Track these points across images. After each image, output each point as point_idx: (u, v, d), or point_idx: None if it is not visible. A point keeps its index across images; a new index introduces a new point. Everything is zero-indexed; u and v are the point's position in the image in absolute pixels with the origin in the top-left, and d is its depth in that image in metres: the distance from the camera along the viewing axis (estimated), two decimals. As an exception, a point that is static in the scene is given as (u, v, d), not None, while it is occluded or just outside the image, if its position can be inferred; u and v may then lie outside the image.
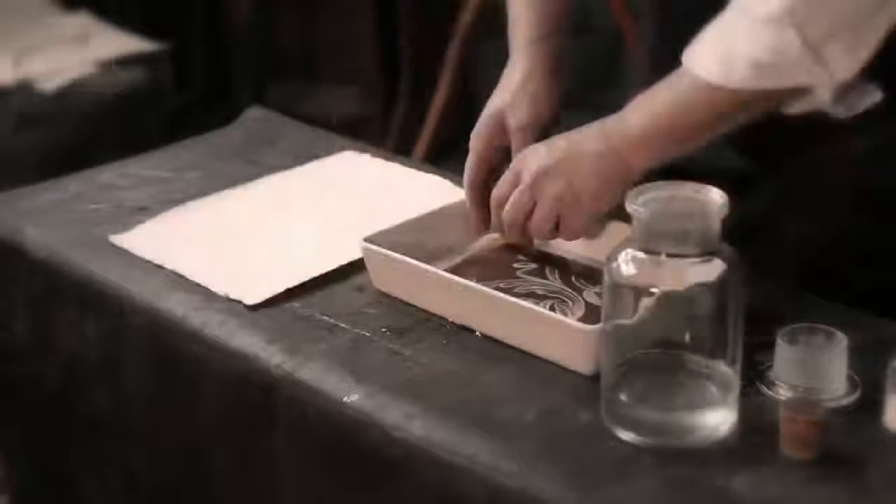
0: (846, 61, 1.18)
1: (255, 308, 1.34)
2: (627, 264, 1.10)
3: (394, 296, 1.35)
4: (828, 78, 1.18)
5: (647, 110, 1.25)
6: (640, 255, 1.10)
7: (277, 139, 1.77)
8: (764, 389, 1.16)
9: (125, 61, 3.08)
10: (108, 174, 1.68)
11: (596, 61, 2.81)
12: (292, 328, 1.31)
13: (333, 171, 1.67)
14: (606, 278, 1.11)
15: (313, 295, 1.37)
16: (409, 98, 3.23)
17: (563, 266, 1.38)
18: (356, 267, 1.39)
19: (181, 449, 1.42)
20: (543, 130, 1.36)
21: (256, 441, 1.30)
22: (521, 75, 1.39)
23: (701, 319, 1.11)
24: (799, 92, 1.21)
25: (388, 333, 1.29)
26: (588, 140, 1.27)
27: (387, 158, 1.69)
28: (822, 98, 1.21)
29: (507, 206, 1.31)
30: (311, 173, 1.66)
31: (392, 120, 3.27)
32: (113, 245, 1.49)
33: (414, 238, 1.37)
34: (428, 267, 1.31)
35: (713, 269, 1.08)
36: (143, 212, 1.56)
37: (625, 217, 1.13)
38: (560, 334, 1.21)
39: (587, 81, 2.50)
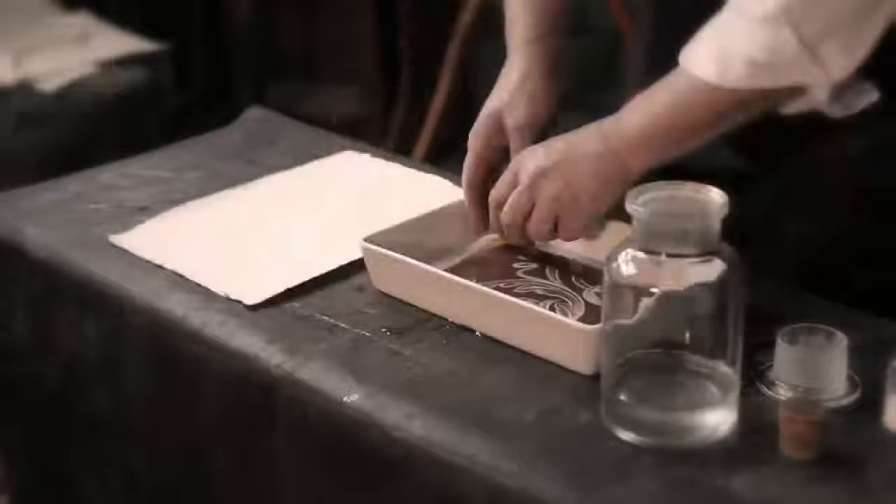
0: (842, 60, 1.18)
1: (255, 308, 1.34)
2: (627, 264, 1.10)
3: (394, 296, 1.35)
4: (824, 77, 1.19)
5: (644, 111, 1.25)
6: (640, 255, 1.10)
7: (277, 139, 1.77)
8: (764, 389, 1.16)
9: (125, 61, 3.08)
10: (108, 174, 1.68)
11: (595, 61, 2.81)
12: (292, 328, 1.31)
13: (333, 171, 1.67)
14: (606, 278, 1.11)
15: (313, 295, 1.37)
16: (409, 98, 3.23)
17: (563, 266, 1.38)
18: (356, 267, 1.39)
19: (181, 449, 1.42)
20: (541, 131, 1.36)
21: (256, 441, 1.30)
22: (518, 75, 1.39)
23: (701, 319, 1.11)
24: (796, 91, 1.21)
25: (388, 333, 1.29)
26: (586, 141, 1.27)
27: (387, 158, 1.69)
28: (818, 97, 1.21)
29: (506, 208, 1.31)
30: (311, 173, 1.66)
31: (392, 120, 3.27)
32: (113, 245, 1.49)
33: (414, 238, 1.37)
34: (428, 267, 1.31)
35: (713, 269, 1.08)
36: (143, 212, 1.56)
37: (625, 217, 1.13)
38: (560, 334, 1.21)
39: (586, 82, 2.50)
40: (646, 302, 1.09)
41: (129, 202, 1.60)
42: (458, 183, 1.43)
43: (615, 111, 1.27)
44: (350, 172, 1.66)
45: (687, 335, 1.12)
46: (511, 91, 1.38)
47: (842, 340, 1.15)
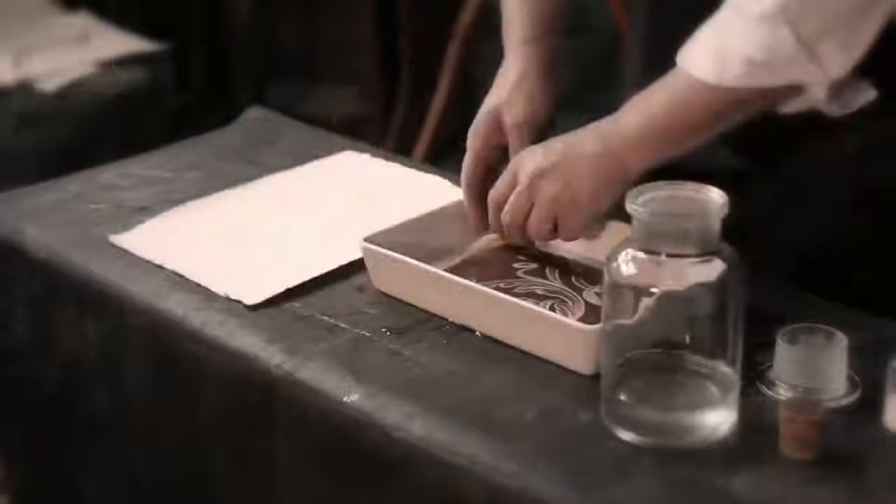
0: (840, 59, 1.18)
1: (255, 308, 1.34)
2: (627, 264, 1.10)
3: (394, 296, 1.35)
4: (822, 75, 1.19)
5: (642, 111, 1.25)
6: (640, 255, 1.10)
7: (277, 139, 1.77)
8: (764, 389, 1.16)
9: (125, 61, 3.08)
10: (108, 174, 1.68)
11: (594, 61, 2.81)
12: (292, 328, 1.31)
13: (333, 171, 1.67)
14: (606, 278, 1.11)
15: (313, 295, 1.37)
16: (409, 98, 3.23)
17: (563, 266, 1.38)
18: (356, 267, 1.39)
19: (181, 449, 1.42)
20: (539, 132, 1.36)
21: (256, 441, 1.30)
22: (516, 75, 1.39)
23: (701, 319, 1.11)
24: (794, 90, 1.21)
25: (388, 333, 1.29)
26: (584, 141, 1.27)
27: (387, 158, 1.70)
28: (816, 96, 1.21)
29: (506, 208, 1.31)
30: (311, 173, 1.66)
31: (392, 120, 3.27)
32: (113, 245, 1.49)
33: (414, 238, 1.37)
34: (428, 267, 1.31)
35: (713, 269, 1.08)
36: (143, 212, 1.56)
37: (625, 217, 1.13)
38: (560, 334, 1.21)
39: (585, 82, 2.50)
40: (646, 302, 1.09)
41: (129, 202, 1.60)
42: (457, 183, 1.43)
43: (614, 111, 1.27)
44: (350, 172, 1.66)
45: (687, 335, 1.12)
46: (509, 90, 1.38)
47: (842, 340, 1.15)
